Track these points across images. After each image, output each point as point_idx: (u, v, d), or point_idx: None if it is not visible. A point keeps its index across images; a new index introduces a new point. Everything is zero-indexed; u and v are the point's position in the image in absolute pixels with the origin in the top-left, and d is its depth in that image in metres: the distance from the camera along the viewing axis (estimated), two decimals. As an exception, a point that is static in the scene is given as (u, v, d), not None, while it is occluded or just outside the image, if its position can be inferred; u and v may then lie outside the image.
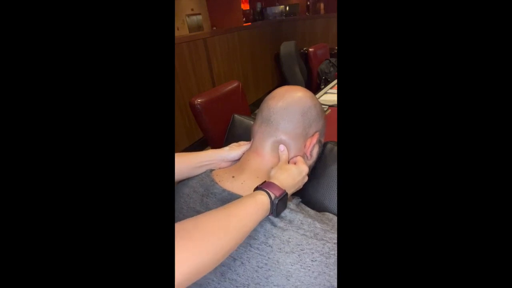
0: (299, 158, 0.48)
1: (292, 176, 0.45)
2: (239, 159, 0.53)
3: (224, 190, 0.46)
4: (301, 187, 0.48)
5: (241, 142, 0.57)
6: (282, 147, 0.48)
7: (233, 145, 0.56)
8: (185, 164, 0.52)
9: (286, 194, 0.41)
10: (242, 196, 0.44)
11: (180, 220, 0.45)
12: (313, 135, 0.50)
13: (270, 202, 0.39)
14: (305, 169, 0.47)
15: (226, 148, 0.54)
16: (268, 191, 0.40)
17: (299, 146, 0.49)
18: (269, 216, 0.41)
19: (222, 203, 0.43)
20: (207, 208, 0.45)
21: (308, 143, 0.49)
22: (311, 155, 0.50)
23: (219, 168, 0.53)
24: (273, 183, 0.41)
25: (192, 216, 0.44)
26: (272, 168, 0.46)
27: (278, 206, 0.40)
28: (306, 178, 0.48)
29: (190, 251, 0.30)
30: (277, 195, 0.39)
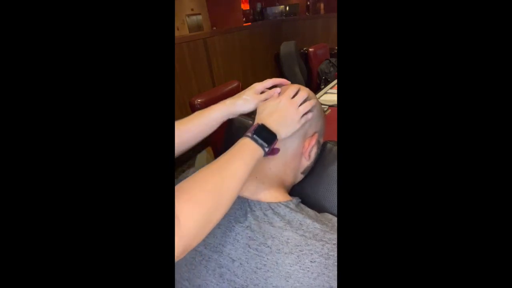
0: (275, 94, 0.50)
1: (269, 110, 0.46)
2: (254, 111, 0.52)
3: None
4: (298, 119, 0.46)
5: (257, 86, 0.53)
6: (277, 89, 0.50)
7: (248, 92, 0.52)
8: (202, 126, 0.51)
9: (261, 125, 0.42)
10: (243, 197, 0.44)
11: None
12: (312, 136, 0.49)
13: (252, 140, 0.41)
14: (280, 101, 0.46)
15: (240, 102, 0.52)
16: (246, 133, 0.42)
17: (296, 146, 0.48)
18: (268, 215, 0.41)
19: None
20: None
21: (306, 144, 0.49)
22: (309, 156, 0.50)
23: None
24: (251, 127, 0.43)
25: None
26: (269, 168, 0.46)
27: (260, 137, 0.41)
28: (291, 105, 0.46)
29: (191, 208, 0.33)
30: (251, 131, 0.42)
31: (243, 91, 0.53)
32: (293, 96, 0.47)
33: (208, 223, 0.34)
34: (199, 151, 1.72)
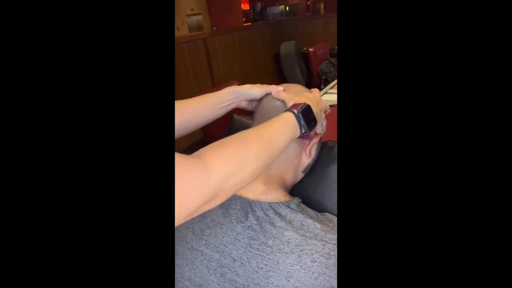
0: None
1: (308, 97, 0.45)
2: (260, 99, 0.52)
3: None
4: (324, 115, 0.48)
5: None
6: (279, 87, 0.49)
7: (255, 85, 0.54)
8: (208, 106, 0.51)
9: (308, 106, 0.42)
10: (243, 197, 0.44)
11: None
12: (316, 135, 0.50)
13: (295, 117, 0.40)
14: (315, 95, 0.47)
15: (247, 86, 0.53)
16: (290, 109, 0.41)
17: (297, 144, 0.48)
18: (269, 215, 0.41)
19: (223, 204, 0.43)
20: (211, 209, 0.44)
21: (307, 142, 0.49)
22: (309, 153, 0.50)
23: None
24: (293, 104, 0.42)
25: (194, 217, 0.44)
26: (270, 168, 0.46)
27: (304, 117, 0.40)
28: (321, 102, 0.47)
29: (220, 159, 0.32)
30: (298, 108, 0.41)
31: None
32: None
33: (234, 176, 0.33)
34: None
